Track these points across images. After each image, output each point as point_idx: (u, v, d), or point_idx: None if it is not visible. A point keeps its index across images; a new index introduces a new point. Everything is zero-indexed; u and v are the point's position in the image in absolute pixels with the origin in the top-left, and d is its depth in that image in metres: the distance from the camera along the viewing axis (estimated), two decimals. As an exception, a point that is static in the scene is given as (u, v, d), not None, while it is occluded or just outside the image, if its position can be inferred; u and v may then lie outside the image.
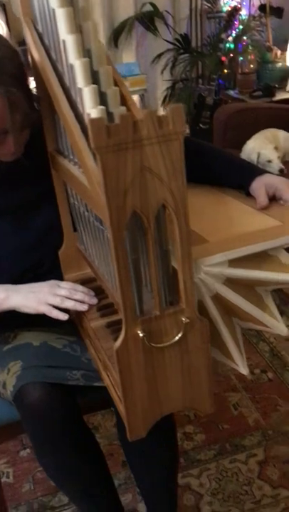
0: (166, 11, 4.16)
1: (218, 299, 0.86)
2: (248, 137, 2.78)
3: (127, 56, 4.22)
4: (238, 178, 1.06)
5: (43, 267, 1.16)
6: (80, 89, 0.70)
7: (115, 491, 1.18)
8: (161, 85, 4.32)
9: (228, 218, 1.02)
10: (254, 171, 1.05)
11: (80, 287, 1.01)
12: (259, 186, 1.00)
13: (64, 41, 0.71)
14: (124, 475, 1.56)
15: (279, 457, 1.59)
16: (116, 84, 0.78)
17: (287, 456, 1.59)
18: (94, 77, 0.76)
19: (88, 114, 0.69)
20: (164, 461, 1.13)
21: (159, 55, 4.06)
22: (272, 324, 0.92)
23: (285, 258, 0.91)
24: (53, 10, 0.71)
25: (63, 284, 1.02)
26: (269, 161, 2.62)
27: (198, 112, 3.97)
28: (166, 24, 4.13)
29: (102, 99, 0.76)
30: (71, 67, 0.71)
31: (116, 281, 0.72)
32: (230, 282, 0.86)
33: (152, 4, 4.05)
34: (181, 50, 4.01)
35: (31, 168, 1.04)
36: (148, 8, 4.07)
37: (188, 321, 0.79)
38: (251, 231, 0.94)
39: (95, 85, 0.70)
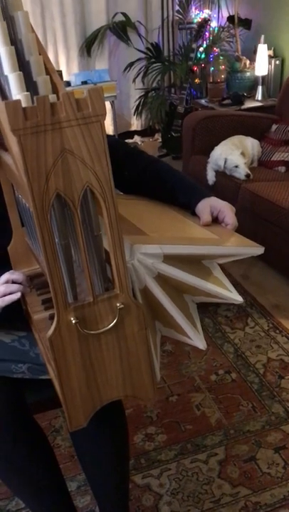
0: (139, 22, 4.22)
1: (162, 279, 0.87)
2: (216, 143, 2.83)
3: (100, 64, 4.27)
4: (187, 196, 1.10)
5: (-7, 264, 1.16)
6: (6, 77, 0.71)
7: (66, 489, 1.17)
8: (134, 94, 4.38)
9: (170, 224, 1.05)
10: (202, 192, 1.10)
11: (16, 274, 1.02)
12: (205, 206, 1.05)
13: (-10, 29, 0.72)
14: (84, 477, 1.54)
15: (239, 456, 1.59)
16: (48, 73, 0.79)
17: (248, 454, 1.59)
18: (25, 67, 0.77)
19: (14, 100, 0.70)
20: (112, 456, 1.13)
21: (131, 64, 4.11)
22: (224, 295, 0.92)
23: (217, 273, 0.94)
24: (-20, -1, 0.72)
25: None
26: (236, 167, 2.67)
27: (170, 120, 4.02)
28: (139, 34, 4.19)
29: (34, 87, 0.77)
30: (-2, 54, 0.72)
31: (45, 267, 0.72)
32: (161, 280, 0.87)
33: (124, 14, 4.11)
34: (153, 60, 4.07)
35: None
36: (120, 17, 4.13)
37: (122, 306, 0.80)
38: (190, 237, 0.97)
39: (20, 72, 0.71)
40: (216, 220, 1.05)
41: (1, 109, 0.73)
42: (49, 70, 0.80)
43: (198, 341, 0.92)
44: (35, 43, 0.78)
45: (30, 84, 0.76)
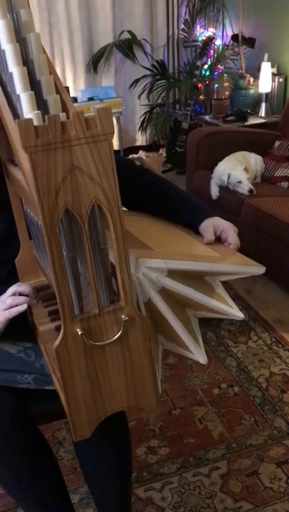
0: (144, 39, 4.30)
1: (165, 293, 0.89)
2: (220, 159, 2.86)
3: (106, 81, 4.34)
4: (191, 215, 1.13)
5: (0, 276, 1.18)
6: (18, 96, 0.74)
7: (69, 500, 1.18)
8: (139, 110, 4.44)
9: (175, 242, 1.08)
10: (206, 212, 1.13)
11: (22, 286, 1.05)
12: (208, 225, 1.08)
13: (4, 51, 0.75)
14: (86, 489, 1.54)
15: (242, 470, 1.60)
16: (58, 92, 0.82)
17: (250, 469, 1.60)
18: (36, 86, 0.80)
19: (26, 119, 0.72)
20: (115, 466, 1.14)
21: (137, 81, 4.17)
22: (225, 311, 0.94)
23: (219, 289, 0.96)
24: (-6, 22, 0.75)
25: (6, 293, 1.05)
26: (239, 182, 2.70)
27: (174, 136, 4.07)
28: (145, 52, 4.27)
29: (44, 106, 0.80)
30: (11, 75, 0.75)
31: (52, 279, 0.74)
32: (165, 294, 0.89)
33: (130, 32, 4.19)
34: (158, 76, 4.13)
35: None
36: (126, 35, 4.21)
37: (127, 318, 0.81)
38: (194, 254, 0.99)
39: (31, 91, 0.74)
40: (218, 240, 1.08)
41: (13, 127, 0.77)
42: (59, 88, 0.83)
43: (200, 356, 0.94)
44: (46, 63, 0.82)
45: (40, 103, 0.79)
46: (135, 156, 4.59)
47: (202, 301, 0.91)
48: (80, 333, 0.79)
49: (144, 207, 1.19)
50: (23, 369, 1.06)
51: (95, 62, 4.21)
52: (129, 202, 1.19)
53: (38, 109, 0.75)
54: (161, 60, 4.25)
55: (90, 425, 0.87)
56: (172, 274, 0.88)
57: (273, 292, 2.55)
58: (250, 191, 2.66)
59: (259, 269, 0.96)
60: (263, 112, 3.55)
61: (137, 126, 4.47)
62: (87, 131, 0.66)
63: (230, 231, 1.06)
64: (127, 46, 4.19)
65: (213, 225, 1.07)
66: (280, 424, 1.75)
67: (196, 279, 0.92)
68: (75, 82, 4.29)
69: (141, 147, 4.71)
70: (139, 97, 4.31)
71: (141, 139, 4.69)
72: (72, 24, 4.12)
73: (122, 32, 4.22)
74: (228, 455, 1.65)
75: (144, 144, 4.71)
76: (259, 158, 2.93)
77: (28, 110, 0.73)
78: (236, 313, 0.93)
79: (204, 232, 1.07)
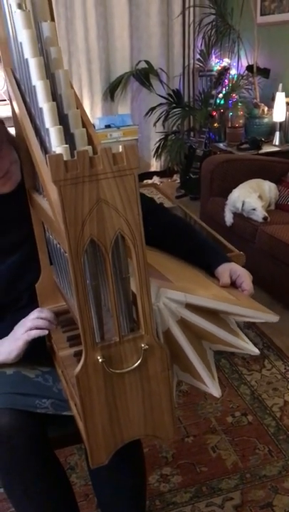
0: (161, 69, 4.40)
1: (184, 323, 0.91)
2: (234, 186, 2.89)
3: (123, 108, 4.43)
4: (209, 258, 1.16)
5: (21, 301, 1.21)
6: (47, 130, 0.77)
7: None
8: (154, 137, 4.51)
9: (192, 279, 1.11)
10: (223, 256, 1.17)
11: (44, 312, 1.08)
12: (225, 269, 1.11)
13: (35, 87, 0.78)
14: (98, 517, 1.54)
15: (255, 501, 1.57)
16: (84, 125, 0.85)
17: (265, 500, 1.57)
18: (64, 120, 0.84)
19: (54, 152, 0.76)
20: (130, 491, 1.14)
21: (153, 109, 4.26)
22: (242, 346, 0.95)
23: (233, 326, 0.98)
24: (26, 59, 0.79)
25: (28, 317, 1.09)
26: (253, 209, 2.72)
27: (189, 163, 4.12)
28: (161, 81, 4.36)
29: (71, 139, 0.84)
30: (40, 110, 0.78)
31: (75, 306, 0.76)
32: (183, 325, 0.91)
33: (147, 62, 4.30)
34: (174, 105, 4.21)
35: (18, 212, 1.11)
36: (143, 64, 4.31)
37: (147, 347, 0.83)
38: (212, 293, 1.02)
39: (60, 126, 0.77)
40: (233, 284, 1.10)
41: (41, 159, 0.80)
42: (85, 122, 0.86)
43: (214, 389, 0.95)
44: (74, 98, 0.85)
45: (67, 136, 0.83)
46: (149, 181, 4.65)
47: (219, 335, 0.92)
48: (100, 360, 0.81)
49: (162, 245, 1.21)
50: (41, 393, 1.08)
51: (112, 90, 4.31)
52: (146, 238, 1.21)
53: (66, 143, 0.79)
54: (176, 89, 4.34)
55: (108, 452, 0.88)
56: (191, 307, 0.89)
57: (287, 320, 2.54)
58: (265, 218, 2.67)
59: (273, 317, 0.98)
60: (277, 141, 3.59)
61: (152, 153, 4.54)
62: (114, 166, 0.69)
63: (245, 277, 1.08)
64: (144, 75, 4.29)
65: (229, 269, 1.10)
66: (294, 455, 1.73)
67: (213, 314, 0.94)
68: (92, 109, 4.38)
69: (155, 173, 4.77)
70: (155, 124, 4.39)
71: (155, 165, 4.76)
72: (90, 53, 4.24)
73: (139, 61, 4.32)
74: (241, 485, 1.63)
75: (158, 169, 4.78)
76: (273, 185, 2.95)
77: (56, 144, 0.76)
78: (252, 348, 0.94)
79: (220, 275, 1.09)
